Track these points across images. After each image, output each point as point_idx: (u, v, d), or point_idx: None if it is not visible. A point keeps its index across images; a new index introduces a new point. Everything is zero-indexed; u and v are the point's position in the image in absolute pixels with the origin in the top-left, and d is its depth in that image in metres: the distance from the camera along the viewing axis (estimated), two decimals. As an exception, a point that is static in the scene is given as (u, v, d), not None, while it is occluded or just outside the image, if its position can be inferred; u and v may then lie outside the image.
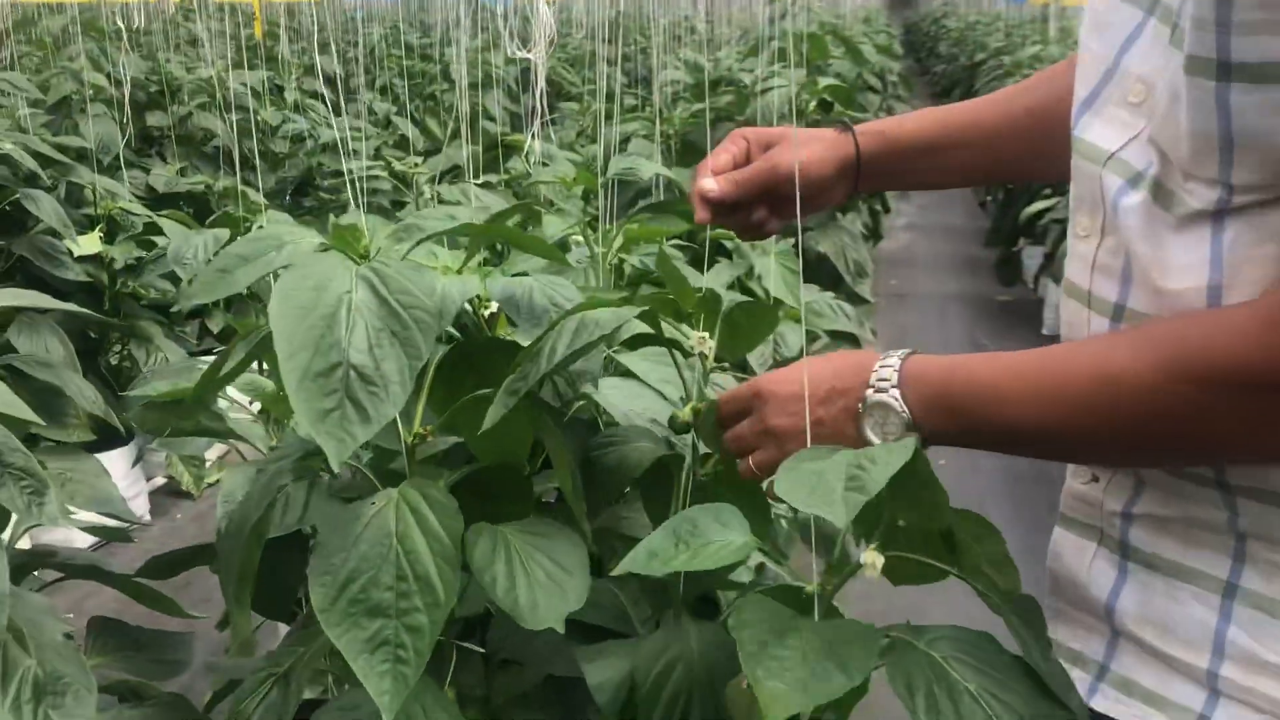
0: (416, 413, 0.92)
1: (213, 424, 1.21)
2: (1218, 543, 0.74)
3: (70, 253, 2.60)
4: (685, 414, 0.93)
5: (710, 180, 0.96)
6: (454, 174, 3.39)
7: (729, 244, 2.21)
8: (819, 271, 2.68)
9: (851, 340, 2.18)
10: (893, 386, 0.75)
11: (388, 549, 0.79)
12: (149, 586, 1.25)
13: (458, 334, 1.10)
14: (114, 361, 2.97)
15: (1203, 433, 0.67)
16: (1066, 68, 0.90)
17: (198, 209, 3.85)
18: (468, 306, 1.05)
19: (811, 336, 2.10)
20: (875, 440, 0.76)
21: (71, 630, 1.01)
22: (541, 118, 1.30)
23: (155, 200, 3.43)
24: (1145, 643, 0.77)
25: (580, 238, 1.43)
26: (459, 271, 1.00)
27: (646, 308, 0.88)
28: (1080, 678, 0.82)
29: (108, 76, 3.94)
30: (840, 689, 0.61)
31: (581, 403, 1.07)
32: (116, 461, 2.79)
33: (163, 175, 3.61)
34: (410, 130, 4.52)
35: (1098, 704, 0.80)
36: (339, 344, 0.72)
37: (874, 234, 3.85)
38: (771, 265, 2.11)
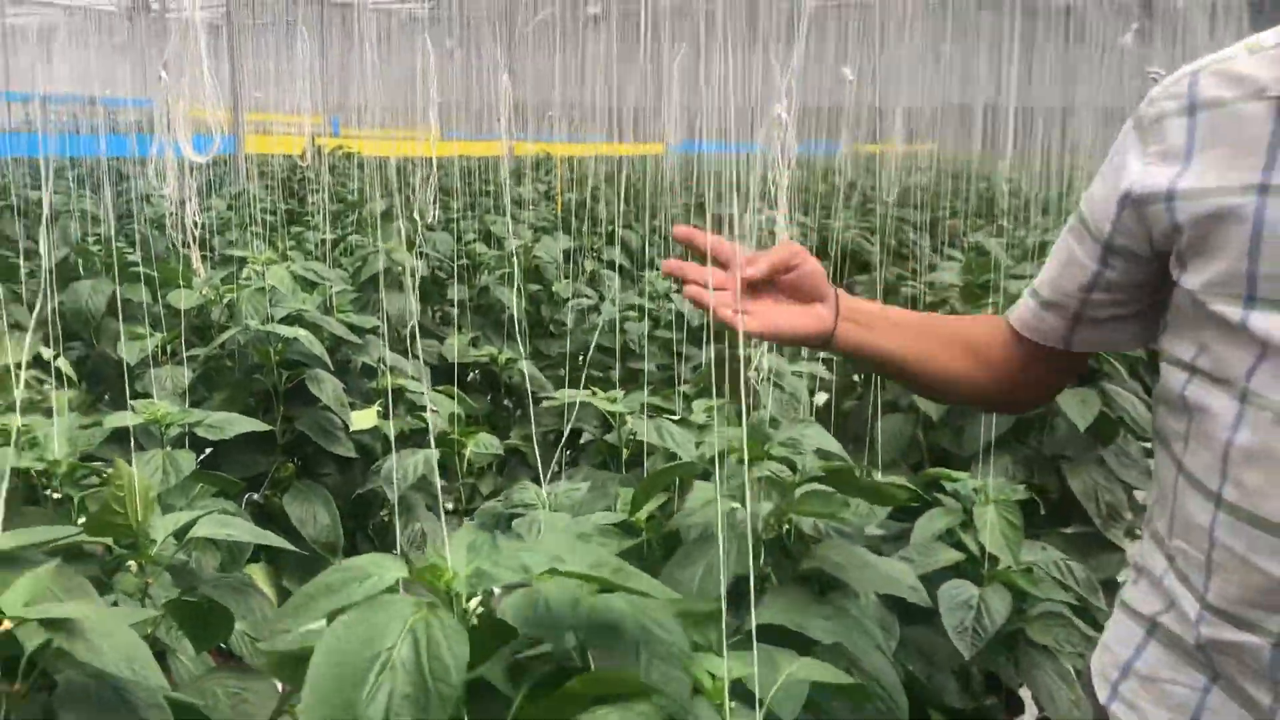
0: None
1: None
2: None
3: (346, 428, 2.87)
4: None
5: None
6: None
7: (947, 485, 2.09)
8: (1069, 510, 2.46)
9: (1074, 611, 1.97)
10: None
11: None
12: None
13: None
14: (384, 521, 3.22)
15: None
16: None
17: (485, 377, 4.18)
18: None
19: (1025, 599, 1.91)
20: None
21: None
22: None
23: (446, 369, 3.73)
24: None
25: (737, 505, 1.40)
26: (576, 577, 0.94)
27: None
28: None
29: (419, 254, 4.38)
30: None
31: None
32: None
33: (454, 345, 3.92)
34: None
35: None
36: (354, 705, 0.73)
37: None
38: (990, 516, 1.96)
